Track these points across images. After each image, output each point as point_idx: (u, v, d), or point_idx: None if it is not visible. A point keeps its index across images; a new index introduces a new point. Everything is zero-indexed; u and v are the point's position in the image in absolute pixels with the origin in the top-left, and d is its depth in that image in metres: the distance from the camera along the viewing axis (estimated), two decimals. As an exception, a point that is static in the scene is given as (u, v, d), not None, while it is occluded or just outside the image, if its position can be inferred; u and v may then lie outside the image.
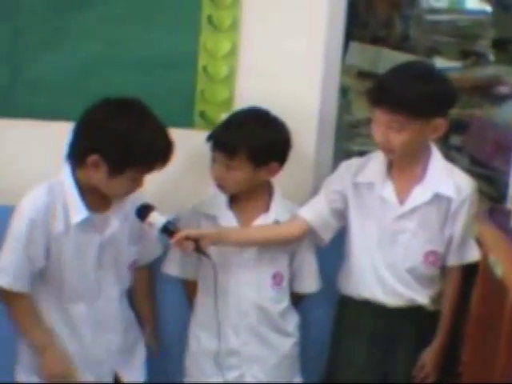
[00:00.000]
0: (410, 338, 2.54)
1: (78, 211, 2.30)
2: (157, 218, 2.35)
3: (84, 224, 2.32)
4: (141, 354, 2.57)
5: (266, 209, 2.53)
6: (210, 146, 2.48)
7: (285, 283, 2.57)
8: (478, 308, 2.40)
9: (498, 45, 3.67)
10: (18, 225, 2.30)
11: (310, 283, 2.62)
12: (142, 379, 2.55)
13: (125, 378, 2.52)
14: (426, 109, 2.34)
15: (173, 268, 2.61)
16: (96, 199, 2.34)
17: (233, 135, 2.43)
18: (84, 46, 2.61)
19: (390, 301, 2.50)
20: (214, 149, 2.47)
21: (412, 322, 2.52)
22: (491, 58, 3.64)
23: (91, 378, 2.44)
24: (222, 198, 2.54)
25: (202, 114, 2.66)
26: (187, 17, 2.60)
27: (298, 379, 2.64)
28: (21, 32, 2.60)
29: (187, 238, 2.35)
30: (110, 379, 2.49)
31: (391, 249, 2.48)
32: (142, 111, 2.27)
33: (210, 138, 2.49)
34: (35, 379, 2.41)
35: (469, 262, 2.50)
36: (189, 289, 2.65)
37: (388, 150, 2.41)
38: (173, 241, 2.35)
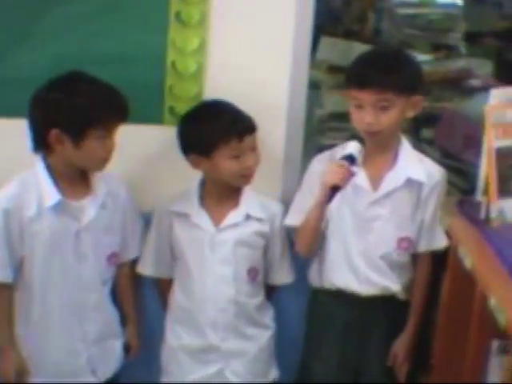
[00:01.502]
0: (382, 327, 2.55)
1: (51, 196, 2.34)
2: (353, 147, 2.37)
3: (58, 210, 2.35)
4: (116, 349, 2.57)
5: (237, 204, 2.53)
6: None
7: (260, 277, 2.58)
8: (448, 300, 2.41)
9: (470, 38, 3.69)
10: None
11: (283, 275, 2.63)
12: (112, 372, 2.56)
13: (98, 371, 2.52)
14: (411, 84, 2.42)
15: (147, 268, 2.61)
16: (71, 186, 2.38)
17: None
18: (52, 43, 2.60)
19: (364, 289, 2.51)
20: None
21: (385, 311, 2.54)
22: (462, 50, 3.65)
23: (66, 371, 2.46)
24: (193, 196, 2.53)
25: (171, 110, 2.65)
26: (155, 13, 2.59)
27: (275, 371, 2.65)
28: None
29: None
30: (87, 371, 2.49)
31: (365, 236, 2.50)
32: (83, 76, 2.33)
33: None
34: None
35: (437, 248, 2.53)
36: (163, 287, 2.65)
37: (374, 133, 2.41)
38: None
